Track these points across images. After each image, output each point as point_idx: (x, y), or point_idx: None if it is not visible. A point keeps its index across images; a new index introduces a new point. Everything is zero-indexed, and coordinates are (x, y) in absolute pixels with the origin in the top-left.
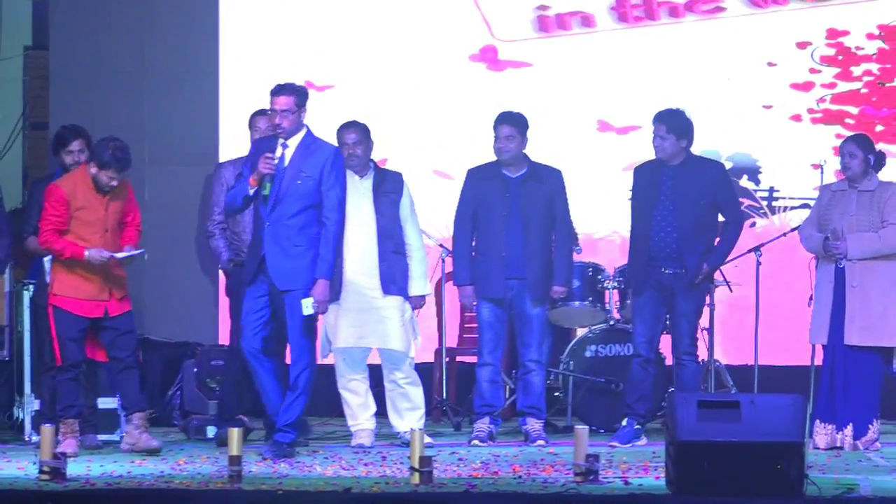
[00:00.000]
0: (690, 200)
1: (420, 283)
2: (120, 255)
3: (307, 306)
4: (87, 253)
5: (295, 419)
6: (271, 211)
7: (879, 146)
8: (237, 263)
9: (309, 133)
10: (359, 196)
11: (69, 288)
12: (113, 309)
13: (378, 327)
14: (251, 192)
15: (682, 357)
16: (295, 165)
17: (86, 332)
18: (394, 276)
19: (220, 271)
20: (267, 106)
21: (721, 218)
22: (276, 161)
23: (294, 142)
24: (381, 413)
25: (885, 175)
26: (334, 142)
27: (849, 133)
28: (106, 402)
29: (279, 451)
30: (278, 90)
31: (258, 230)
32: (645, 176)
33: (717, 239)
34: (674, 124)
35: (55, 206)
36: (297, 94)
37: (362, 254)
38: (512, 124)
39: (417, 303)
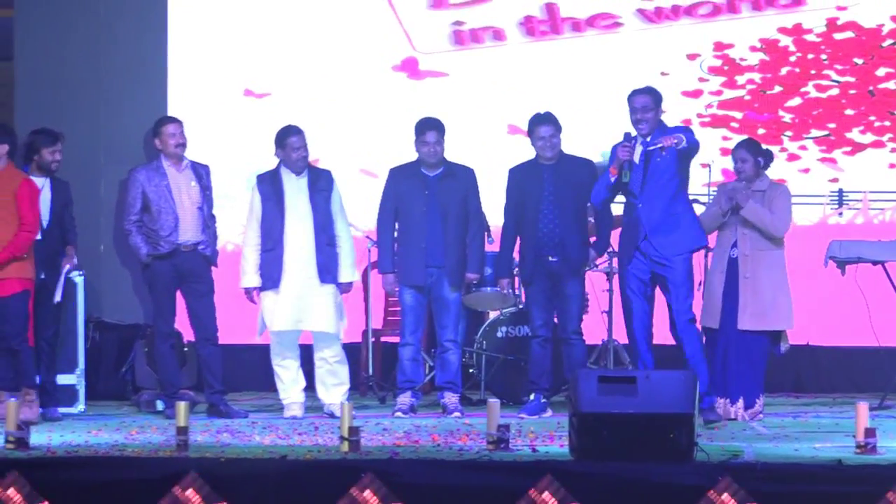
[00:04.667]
0: (571, 195)
1: (348, 271)
2: None
3: None
4: None
5: None
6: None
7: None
8: (156, 256)
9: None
10: (297, 192)
11: None
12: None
13: (314, 312)
14: (612, 179)
15: (571, 336)
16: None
17: None
18: (328, 266)
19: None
20: (214, 113)
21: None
22: (632, 147)
23: None
24: (310, 388)
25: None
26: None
27: (734, 136)
28: (64, 378)
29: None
30: (637, 91)
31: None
32: (527, 175)
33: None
34: (558, 126)
35: None
36: (652, 95)
37: (300, 245)
38: (437, 130)
39: (346, 289)
